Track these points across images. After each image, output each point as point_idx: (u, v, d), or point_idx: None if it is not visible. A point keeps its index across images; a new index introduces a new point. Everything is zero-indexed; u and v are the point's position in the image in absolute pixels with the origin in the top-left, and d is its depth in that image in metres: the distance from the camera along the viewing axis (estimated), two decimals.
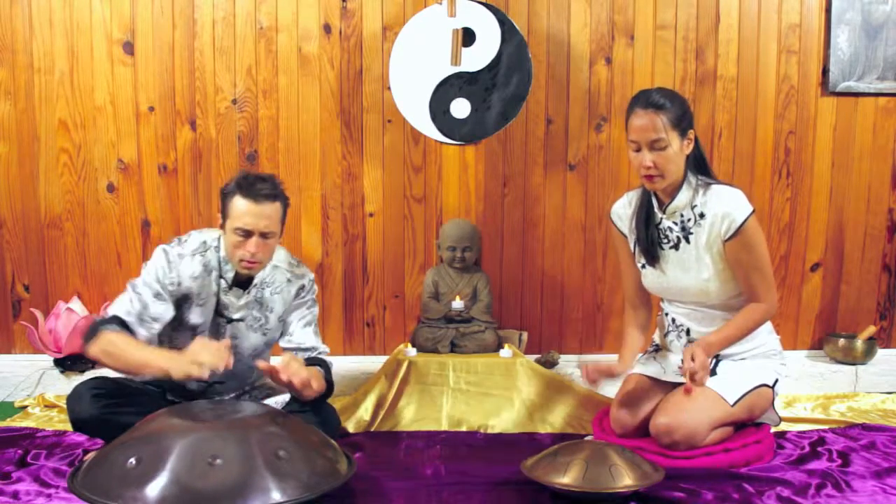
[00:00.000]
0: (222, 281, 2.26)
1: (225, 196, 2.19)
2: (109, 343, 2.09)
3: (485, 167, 3.14)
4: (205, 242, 2.27)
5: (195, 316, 2.26)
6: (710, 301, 2.30)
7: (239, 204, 2.14)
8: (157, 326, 2.20)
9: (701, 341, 2.22)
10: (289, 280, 2.34)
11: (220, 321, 2.28)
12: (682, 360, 2.20)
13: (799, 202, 3.19)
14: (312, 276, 2.42)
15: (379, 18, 3.05)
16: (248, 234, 2.15)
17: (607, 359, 3.15)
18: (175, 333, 2.28)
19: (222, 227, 2.22)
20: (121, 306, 2.19)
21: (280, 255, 2.36)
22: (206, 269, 2.24)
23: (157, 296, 2.20)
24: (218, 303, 2.27)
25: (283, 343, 2.38)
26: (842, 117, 3.16)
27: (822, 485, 2.04)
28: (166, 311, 2.21)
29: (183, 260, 2.22)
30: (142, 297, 2.19)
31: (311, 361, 2.33)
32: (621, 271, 2.51)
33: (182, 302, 2.24)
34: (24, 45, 3.00)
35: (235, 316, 2.29)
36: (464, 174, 3.13)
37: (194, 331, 2.27)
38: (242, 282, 2.28)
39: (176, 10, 3.01)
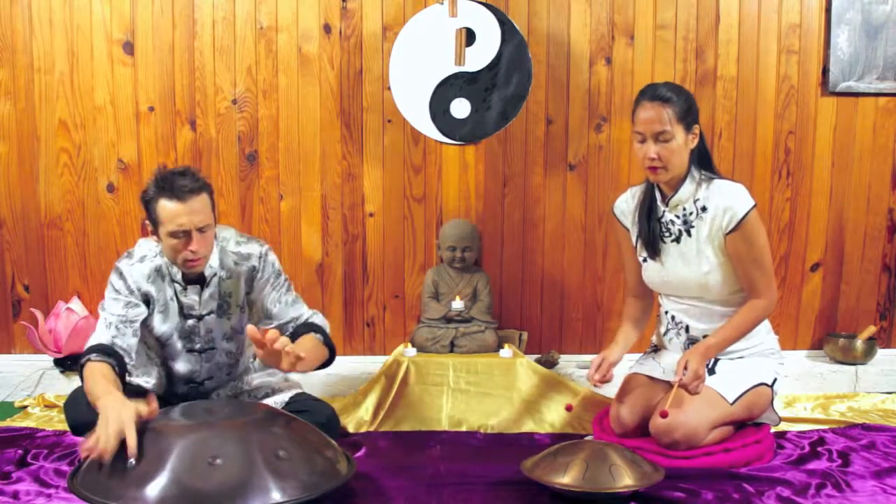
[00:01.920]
0: (176, 285, 2.23)
1: (148, 203, 2.12)
2: (86, 375, 2.06)
3: (485, 167, 3.14)
4: (151, 249, 2.23)
5: (160, 324, 2.23)
6: (709, 296, 2.30)
7: (167, 206, 2.07)
8: (137, 325, 2.18)
9: (699, 346, 2.22)
10: (235, 263, 2.27)
11: (189, 323, 2.26)
12: (676, 368, 2.19)
13: (799, 202, 3.19)
14: (263, 248, 2.30)
15: (379, 18, 3.05)
16: (186, 233, 2.09)
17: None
18: (150, 348, 2.28)
19: (154, 233, 2.16)
20: (99, 328, 2.17)
21: (229, 237, 2.30)
22: (159, 273, 2.21)
23: (128, 304, 2.18)
24: (180, 306, 2.24)
25: (269, 326, 2.29)
26: (842, 117, 3.15)
27: (822, 485, 2.04)
28: (141, 312, 2.19)
29: (134, 267, 2.19)
30: (113, 310, 2.17)
31: (300, 329, 2.27)
32: (624, 264, 2.52)
33: (149, 305, 2.21)
34: (24, 45, 3.00)
35: (204, 312, 2.26)
36: (464, 174, 3.13)
37: (167, 341, 2.25)
38: (195, 279, 2.23)
39: (176, 10, 3.01)
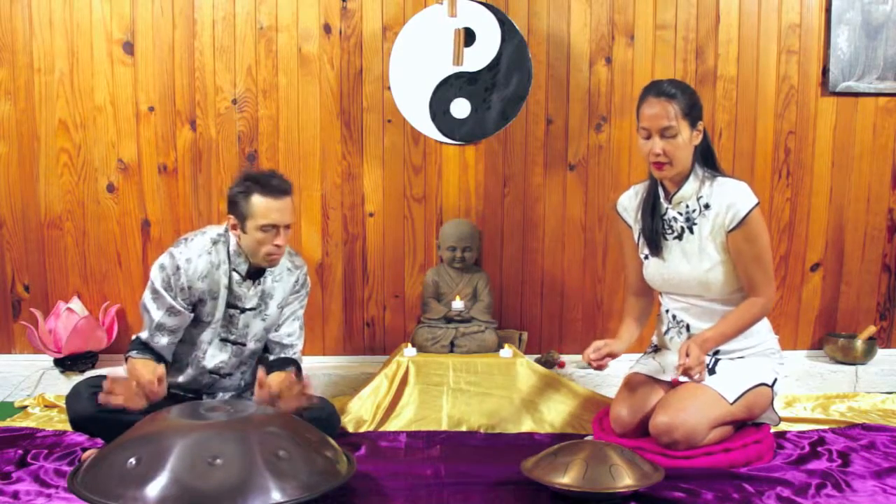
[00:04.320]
0: (234, 274, 2.30)
1: (238, 196, 2.22)
2: (128, 368, 2.24)
3: (485, 167, 3.14)
4: (212, 239, 2.30)
5: (209, 310, 2.31)
6: (709, 294, 2.30)
7: (261, 202, 2.20)
8: (179, 333, 2.31)
9: (697, 337, 2.22)
10: (289, 269, 2.41)
11: (232, 312, 2.33)
12: (679, 354, 2.19)
13: (799, 202, 3.19)
14: (307, 268, 2.49)
15: (379, 18, 3.05)
16: (275, 228, 2.22)
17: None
18: (190, 328, 2.34)
19: (236, 227, 2.25)
20: (143, 321, 2.31)
21: None
22: (214, 265, 2.28)
23: (170, 310, 2.26)
24: (230, 294, 2.31)
25: (271, 335, 2.43)
26: (842, 117, 3.15)
27: (822, 485, 2.04)
28: (183, 321, 2.29)
29: (191, 263, 2.25)
30: (153, 314, 2.27)
31: (283, 362, 2.39)
32: (625, 262, 2.51)
33: (197, 303, 2.30)
34: (24, 45, 3.00)
35: (248, 306, 2.34)
36: (464, 174, 3.13)
37: (208, 324, 2.33)
38: (253, 273, 2.33)
39: (176, 10, 3.01)
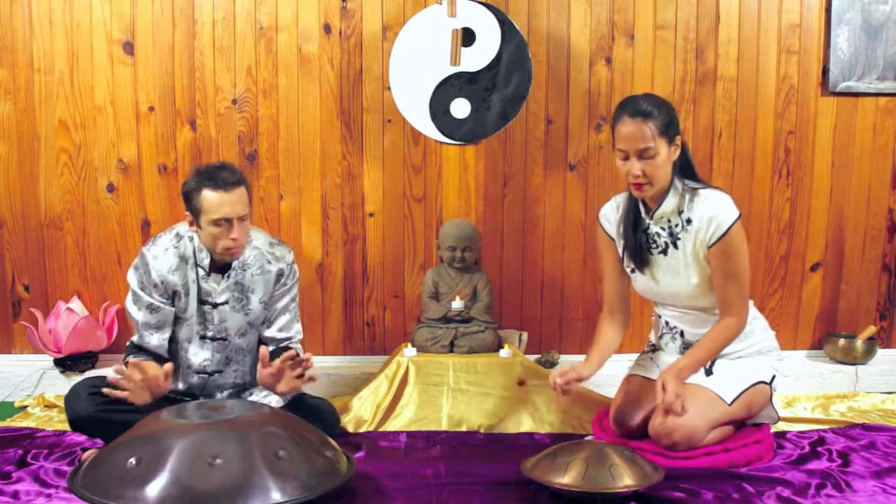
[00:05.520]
0: (199, 269, 2.31)
1: (190, 192, 2.22)
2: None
3: (485, 167, 3.14)
4: (178, 234, 2.33)
5: (183, 306, 2.32)
6: (700, 304, 2.29)
7: (210, 197, 2.19)
8: (167, 329, 2.33)
9: (672, 368, 2.18)
10: (268, 262, 2.38)
11: (204, 308, 2.34)
12: (656, 390, 2.16)
13: (799, 202, 3.19)
14: (291, 255, 2.44)
15: (379, 18, 3.05)
16: (228, 222, 2.20)
17: None
18: (174, 327, 2.36)
19: (193, 224, 2.26)
20: (133, 330, 2.35)
21: (259, 238, 2.41)
22: (183, 259, 2.30)
23: (150, 307, 2.29)
24: (199, 290, 2.32)
25: (264, 331, 2.42)
26: (842, 117, 3.15)
27: (822, 485, 2.04)
28: (165, 316, 2.31)
29: (157, 259, 2.28)
30: (136, 316, 2.31)
31: (281, 351, 2.37)
32: (603, 275, 2.47)
33: (174, 297, 2.31)
34: (24, 45, 3.00)
35: (219, 300, 2.33)
36: (464, 174, 3.13)
37: (185, 323, 2.34)
38: (220, 267, 2.33)
39: (176, 10, 3.01)
